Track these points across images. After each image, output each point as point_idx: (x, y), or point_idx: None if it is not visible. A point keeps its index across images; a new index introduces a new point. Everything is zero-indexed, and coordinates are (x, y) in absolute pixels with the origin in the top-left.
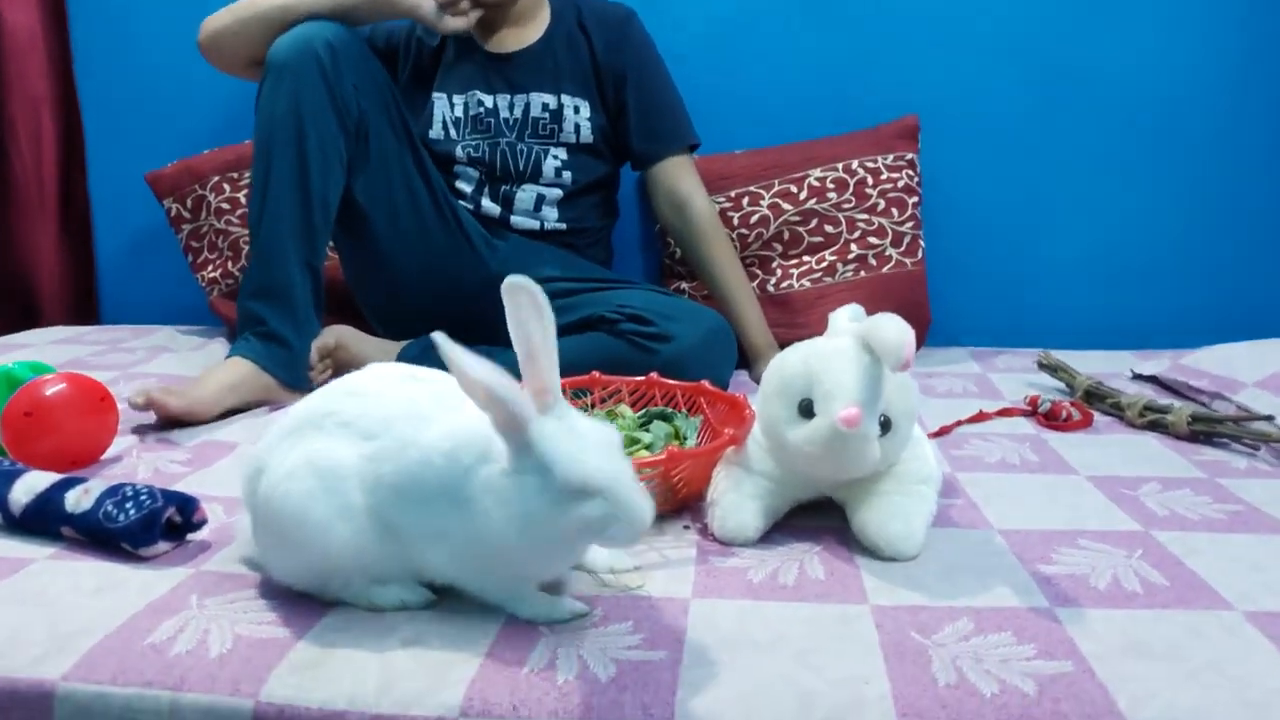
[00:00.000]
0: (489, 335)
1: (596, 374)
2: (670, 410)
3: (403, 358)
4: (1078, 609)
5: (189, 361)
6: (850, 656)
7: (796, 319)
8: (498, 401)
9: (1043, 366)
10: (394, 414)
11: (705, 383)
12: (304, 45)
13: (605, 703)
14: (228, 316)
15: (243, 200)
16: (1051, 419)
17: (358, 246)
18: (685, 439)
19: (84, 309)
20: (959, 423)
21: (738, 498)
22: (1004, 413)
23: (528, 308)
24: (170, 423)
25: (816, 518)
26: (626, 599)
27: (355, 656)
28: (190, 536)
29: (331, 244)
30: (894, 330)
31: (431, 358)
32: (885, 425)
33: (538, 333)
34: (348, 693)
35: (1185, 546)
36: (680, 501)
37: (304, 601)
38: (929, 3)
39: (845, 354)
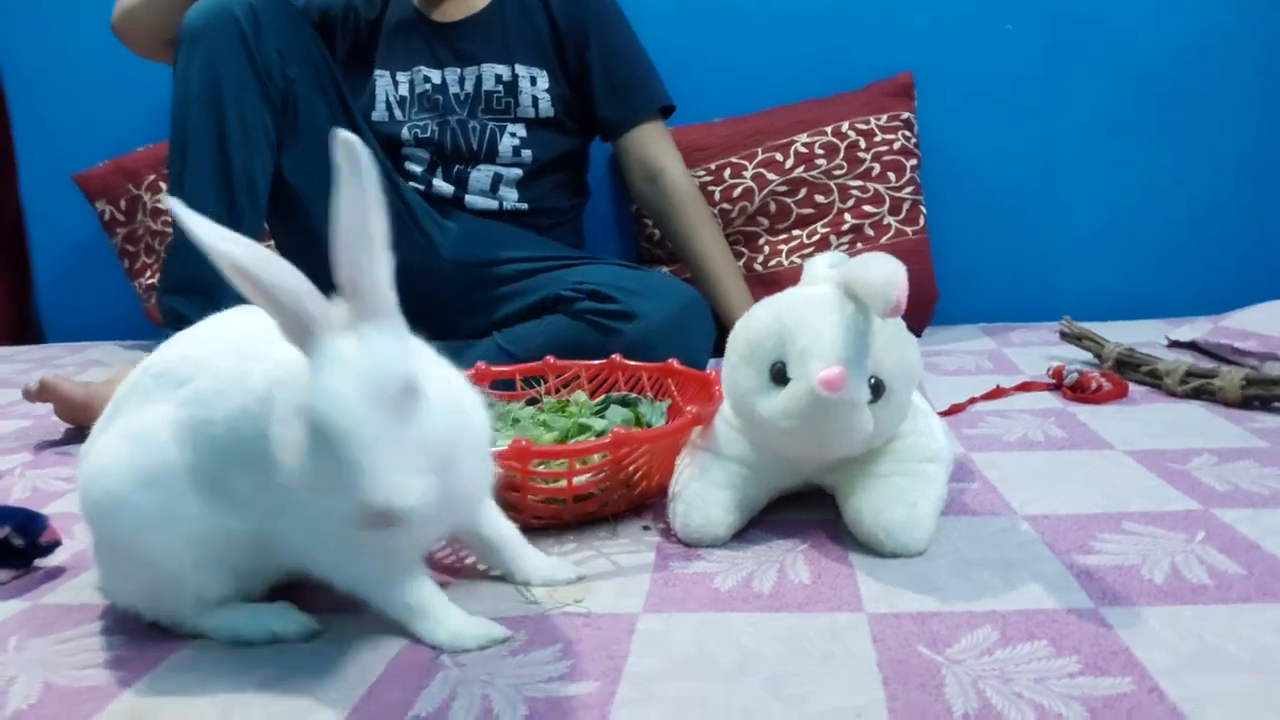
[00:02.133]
0: (444, 328)
1: (550, 359)
2: (634, 395)
3: None
4: (1130, 608)
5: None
6: (839, 681)
7: None
8: (272, 298)
9: (1065, 336)
10: (216, 352)
11: (673, 361)
12: (220, 8)
13: None
14: None
15: None
16: (1079, 391)
17: (290, 231)
18: (648, 425)
19: (24, 327)
20: (972, 400)
21: (703, 488)
22: (1024, 387)
23: (349, 171)
24: (74, 428)
25: (801, 510)
26: (561, 618)
27: (193, 705)
28: (39, 562)
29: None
30: (880, 268)
31: None
32: (877, 389)
33: (356, 208)
34: None
35: (1259, 527)
36: (639, 497)
37: (157, 638)
38: None
39: (823, 304)
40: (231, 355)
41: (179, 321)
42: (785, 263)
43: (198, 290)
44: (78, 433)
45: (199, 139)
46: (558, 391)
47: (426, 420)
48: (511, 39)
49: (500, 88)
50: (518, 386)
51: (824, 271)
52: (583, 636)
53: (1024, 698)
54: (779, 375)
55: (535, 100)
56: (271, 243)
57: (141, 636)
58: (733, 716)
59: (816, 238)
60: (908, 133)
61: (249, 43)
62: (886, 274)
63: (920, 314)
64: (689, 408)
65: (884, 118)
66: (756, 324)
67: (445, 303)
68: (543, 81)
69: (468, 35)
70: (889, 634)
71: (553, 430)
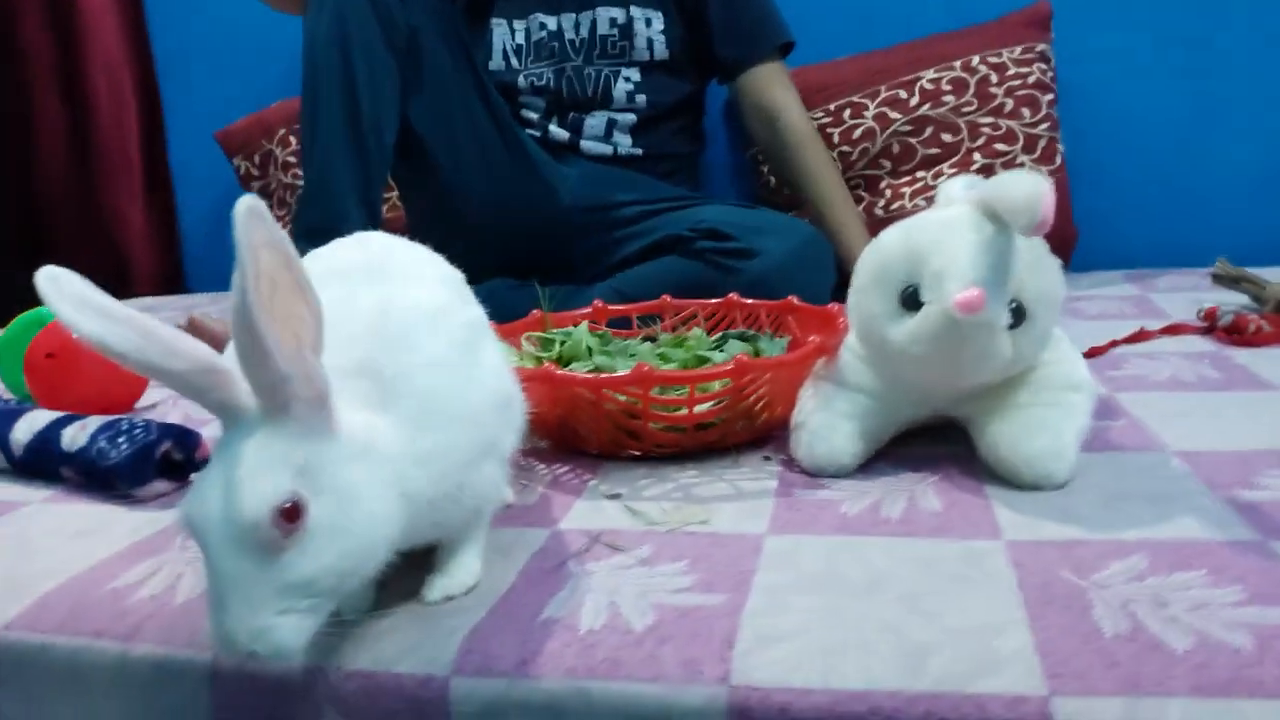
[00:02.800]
0: (561, 273)
1: (667, 298)
2: (752, 332)
3: None
4: None
5: None
6: (977, 600)
7: None
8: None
9: (1219, 280)
10: None
11: (793, 299)
12: None
13: (638, 658)
14: None
15: None
16: (1236, 334)
17: (417, 179)
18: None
19: (171, 279)
20: (1114, 343)
21: (828, 418)
22: (1172, 329)
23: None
24: None
25: (930, 443)
26: (686, 537)
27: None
28: (194, 477)
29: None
30: (1023, 183)
31: (497, 299)
32: (1018, 314)
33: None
34: (320, 645)
35: None
36: (761, 428)
37: None
38: None
39: (959, 224)
40: None
41: None
42: (909, 206)
43: (329, 235)
44: None
45: (329, 87)
46: (674, 330)
47: (311, 548)
48: None
49: (615, 31)
50: (634, 325)
51: (959, 193)
52: (709, 554)
53: (1181, 622)
54: (911, 300)
55: (650, 42)
56: (394, 193)
57: None
58: (867, 629)
59: (943, 179)
60: (1044, 65)
61: None
62: (1030, 188)
63: (1058, 257)
64: (811, 337)
65: (1018, 50)
66: (886, 247)
67: (565, 248)
68: (658, 23)
69: None
70: (1029, 560)
71: (671, 362)
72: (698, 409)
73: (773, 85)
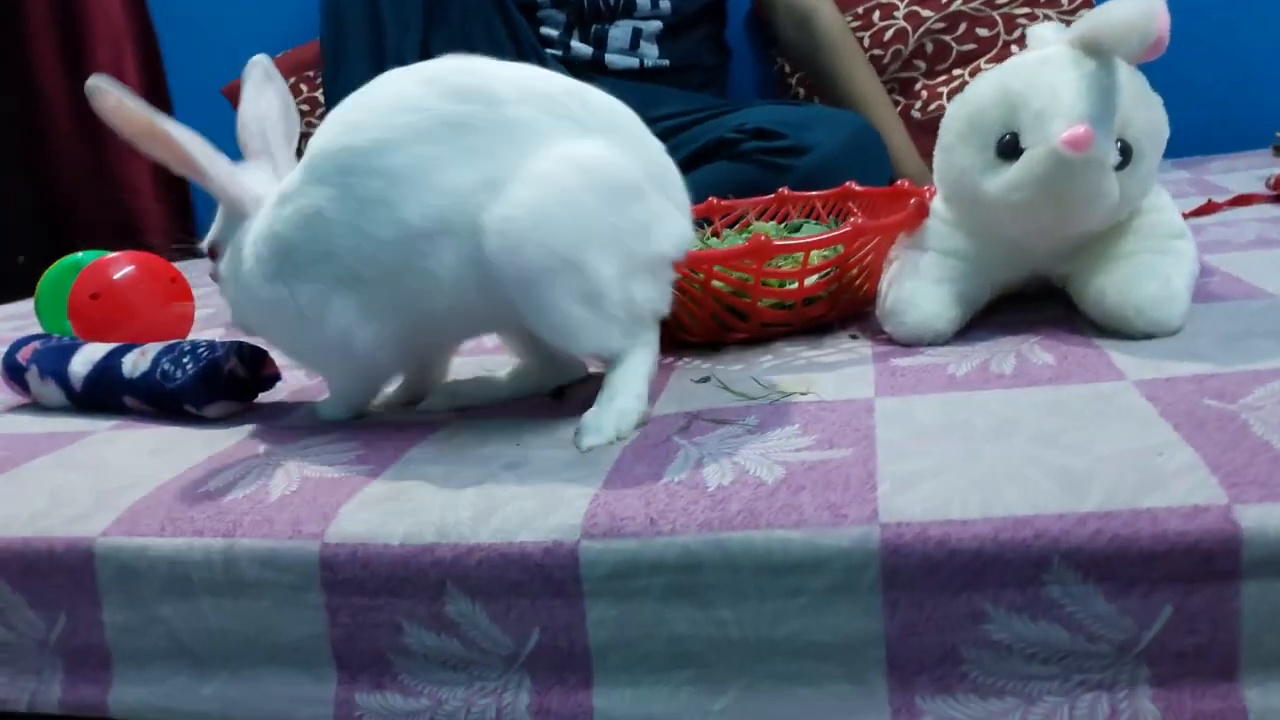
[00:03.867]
0: None
1: (714, 199)
2: (814, 221)
3: None
4: None
5: None
6: (1122, 431)
7: None
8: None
9: None
10: None
11: (851, 184)
12: None
13: (775, 506)
14: None
15: (320, 100)
16: None
17: None
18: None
19: (184, 243)
20: (1184, 216)
21: (918, 284)
22: (1241, 200)
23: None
24: None
25: (1026, 311)
26: (791, 406)
27: (447, 484)
28: (262, 397)
29: None
30: (1131, 5)
31: None
32: (1124, 153)
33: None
34: (436, 522)
35: None
36: (859, 303)
37: (393, 438)
38: None
39: (1057, 62)
40: None
41: None
42: (947, 106)
43: None
44: None
45: (354, 19)
46: (725, 230)
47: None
48: None
49: None
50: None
51: (1052, 35)
52: (820, 417)
53: None
54: (1009, 148)
55: None
56: None
57: (378, 440)
58: (1014, 463)
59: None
60: None
61: None
62: (1140, 6)
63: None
64: (911, 200)
65: None
66: (977, 96)
67: None
68: None
69: None
70: (1163, 394)
71: None
72: (808, 281)
73: None
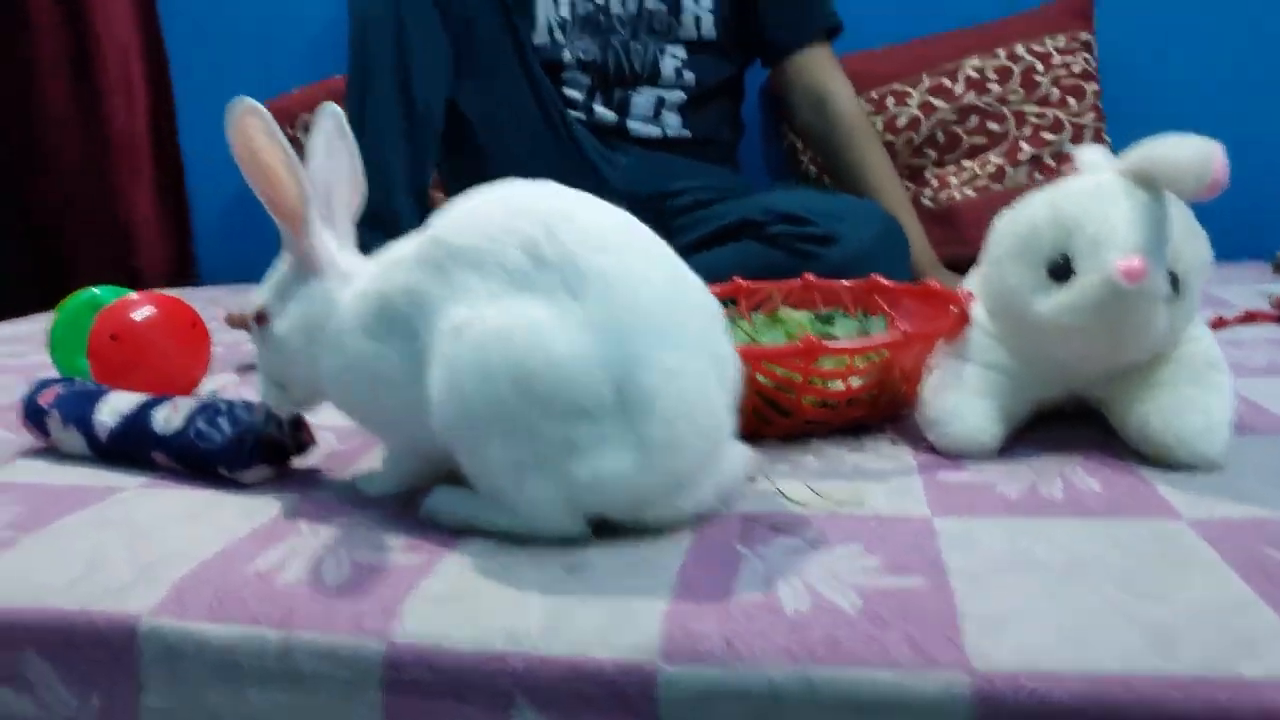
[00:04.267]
0: None
1: (739, 280)
2: (840, 312)
3: None
4: None
5: None
6: (1193, 580)
7: (963, 234)
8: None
9: None
10: None
11: (877, 277)
12: None
13: (858, 638)
14: None
15: None
16: None
17: (459, 165)
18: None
19: (182, 271)
20: None
21: (963, 397)
22: (1249, 317)
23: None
24: None
25: (1062, 428)
26: (847, 519)
27: (509, 584)
28: (296, 462)
29: None
30: (1190, 145)
31: None
32: (1174, 285)
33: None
34: (505, 629)
35: None
36: (888, 406)
37: (434, 528)
38: None
39: (1110, 191)
40: None
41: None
42: (958, 195)
43: (385, 225)
44: None
45: (381, 69)
46: (752, 312)
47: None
48: None
49: (663, 5)
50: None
51: (1102, 160)
52: (881, 535)
53: None
54: (1060, 271)
55: (698, 20)
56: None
57: (426, 527)
58: (1095, 611)
59: (991, 168)
60: (1088, 55)
61: None
62: (1199, 150)
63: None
64: (951, 306)
65: (1061, 39)
66: (1029, 217)
67: None
68: (706, 0)
69: None
70: (1224, 539)
71: (793, 338)
72: (854, 382)
73: (822, 69)
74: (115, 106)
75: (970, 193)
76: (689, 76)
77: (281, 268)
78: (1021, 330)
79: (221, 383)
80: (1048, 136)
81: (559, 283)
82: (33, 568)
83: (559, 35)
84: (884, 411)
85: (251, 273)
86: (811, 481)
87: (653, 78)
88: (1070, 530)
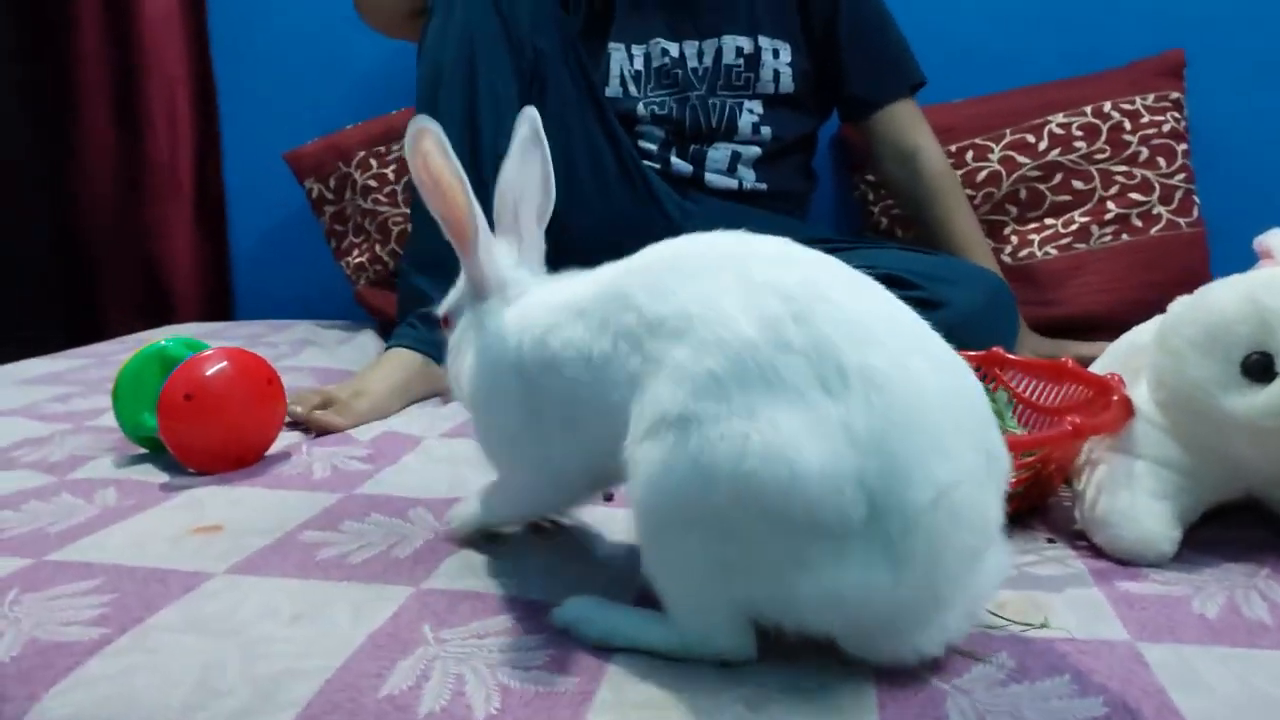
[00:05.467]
0: None
1: None
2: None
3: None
4: None
5: (338, 356)
6: None
7: (1044, 295)
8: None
9: None
10: None
11: (999, 350)
12: None
13: None
14: (376, 307)
15: (391, 177)
16: None
17: None
18: (1002, 418)
19: (218, 304)
20: None
21: (1135, 497)
22: None
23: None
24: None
25: (1224, 527)
26: (1042, 644)
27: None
28: (399, 549)
29: None
30: None
31: None
32: None
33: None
34: None
35: None
36: (1035, 501)
37: (572, 637)
38: None
39: None
40: None
41: (419, 302)
42: (1039, 254)
43: (443, 268)
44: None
45: (450, 109)
46: None
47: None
48: (756, 9)
49: (741, 61)
50: None
51: None
52: (1085, 665)
53: None
54: (1258, 369)
55: (777, 74)
56: None
57: (565, 640)
58: None
59: (1075, 227)
60: (1177, 114)
61: (503, 12)
62: None
63: None
64: (1113, 396)
65: (1150, 98)
66: (1220, 306)
67: None
68: (785, 54)
69: (709, 5)
70: None
71: None
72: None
73: (908, 123)
74: (159, 140)
75: (1052, 251)
76: (766, 132)
77: (460, 280)
78: (1204, 427)
79: (292, 439)
80: (1136, 197)
81: (812, 377)
82: (136, 682)
83: (632, 88)
84: (1033, 504)
85: (285, 309)
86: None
87: (729, 132)
88: None
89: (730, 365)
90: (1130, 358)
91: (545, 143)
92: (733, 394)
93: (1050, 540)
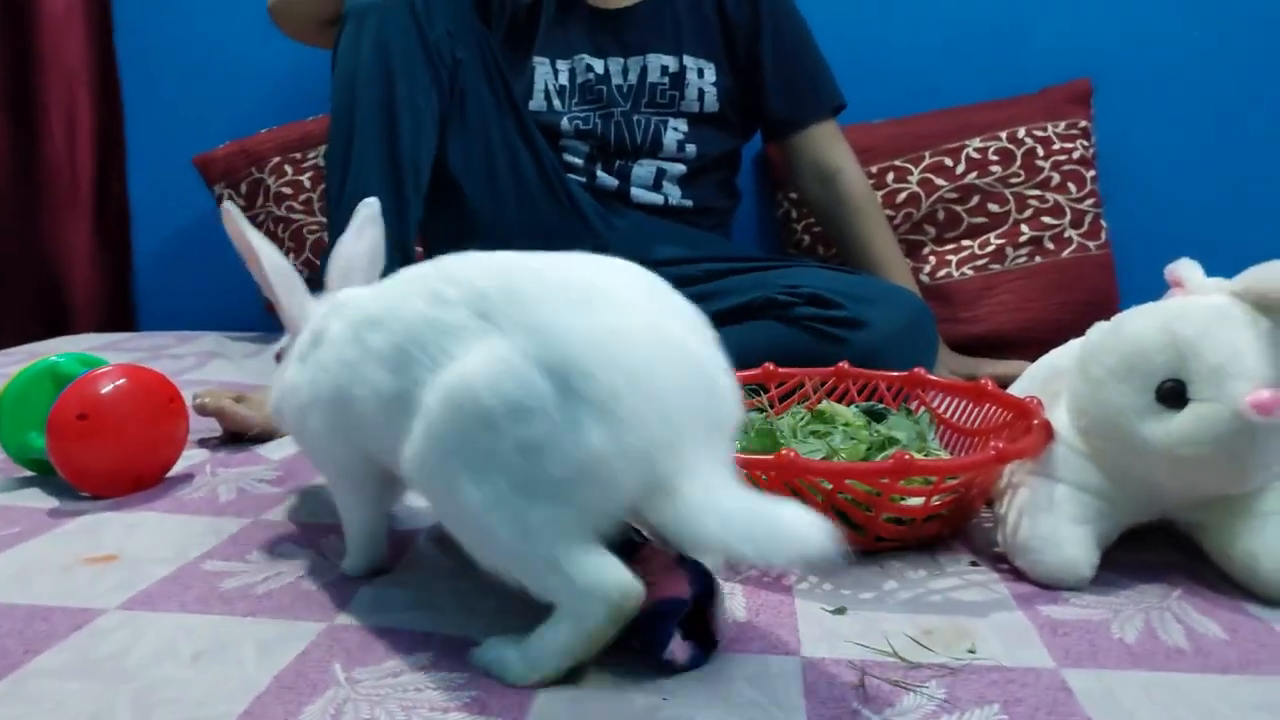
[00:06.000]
0: None
1: (770, 365)
2: (881, 406)
3: None
4: None
5: (246, 369)
6: None
7: (959, 314)
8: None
9: None
10: None
11: (921, 371)
12: None
13: None
14: None
15: (306, 184)
16: None
17: (447, 224)
18: (925, 439)
19: (119, 313)
20: None
21: (1056, 522)
22: None
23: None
24: (234, 435)
25: (1138, 549)
26: (966, 671)
27: None
28: (309, 581)
29: None
30: None
31: None
32: None
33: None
34: None
35: None
36: (957, 523)
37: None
38: None
39: (1230, 316)
40: None
41: None
42: (955, 274)
43: None
44: (235, 436)
45: (366, 121)
46: (781, 401)
47: None
48: (681, 28)
49: (666, 79)
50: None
51: (1212, 281)
52: (1012, 694)
53: None
54: (1172, 395)
55: (701, 93)
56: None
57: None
58: None
59: (990, 249)
60: (1085, 141)
61: (420, 21)
62: None
63: None
64: (1033, 420)
65: (1061, 125)
66: (1137, 335)
67: None
68: (710, 74)
69: (634, 24)
70: None
71: (857, 442)
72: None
73: (829, 144)
74: (57, 143)
75: (969, 272)
76: (690, 149)
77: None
78: (1123, 453)
79: (195, 459)
80: (1048, 220)
81: (474, 316)
82: None
83: (556, 103)
84: (955, 526)
85: (191, 320)
86: (897, 610)
87: (654, 149)
88: (1220, 691)
89: (408, 333)
90: (1048, 381)
91: (380, 224)
92: (420, 355)
93: (974, 563)
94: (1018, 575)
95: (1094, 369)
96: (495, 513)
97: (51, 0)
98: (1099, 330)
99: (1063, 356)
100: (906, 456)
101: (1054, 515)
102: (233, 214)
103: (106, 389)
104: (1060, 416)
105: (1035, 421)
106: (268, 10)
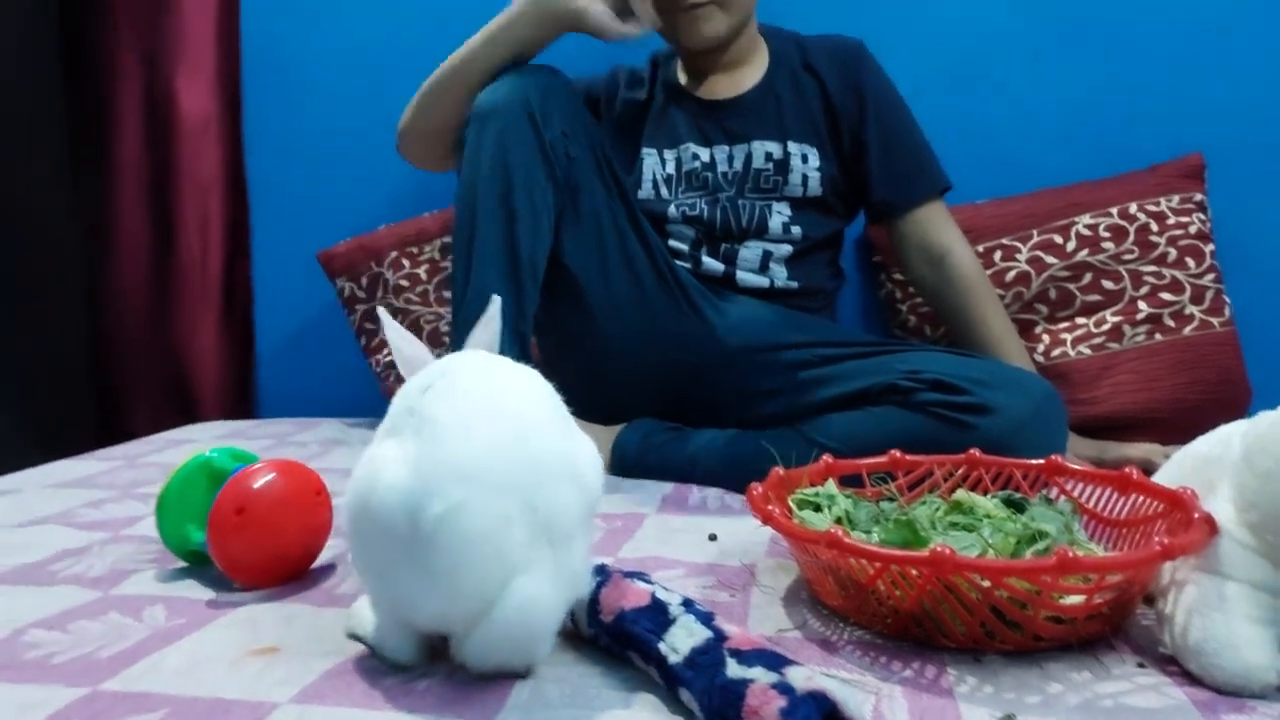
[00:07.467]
0: (712, 414)
1: (896, 453)
2: (1019, 495)
3: (621, 445)
4: None
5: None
6: None
7: (1078, 394)
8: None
9: None
10: None
11: (1058, 458)
12: (511, 87)
13: None
14: None
15: (423, 276)
16: None
17: (561, 316)
18: (1071, 530)
19: (241, 402)
20: None
21: (1234, 622)
22: None
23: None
24: None
25: None
26: None
27: None
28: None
29: None
30: None
31: (654, 444)
32: None
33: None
34: None
35: None
36: (1118, 622)
37: None
38: (1201, 23)
39: None
40: None
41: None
42: (1071, 353)
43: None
44: None
45: (488, 218)
46: (910, 490)
47: None
48: (785, 116)
49: (770, 165)
50: (865, 483)
51: None
52: None
53: None
54: None
55: (805, 178)
56: None
57: None
58: None
59: (1107, 327)
60: (1202, 215)
61: (537, 122)
62: None
63: (1234, 417)
64: (1192, 513)
65: (1175, 199)
66: None
67: (720, 391)
68: (814, 159)
69: (740, 112)
70: None
71: (1006, 535)
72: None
73: (937, 225)
74: (190, 242)
75: (1086, 351)
76: (796, 230)
77: None
78: None
79: (340, 549)
80: (1167, 297)
81: (407, 428)
82: None
83: (664, 190)
84: (1115, 624)
85: (311, 407)
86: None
87: (760, 231)
88: None
89: (387, 421)
90: (1199, 470)
91: (499, 321)
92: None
93: (1140, 664)
94: (1190, 679)
95: (1265, 461)
96: (371, 582)
97: (190, 113)
98: (1267, 421)
99: (1213, 444)
100: (1070, 553)
101: (1228, 615)
102: (383, 317)
103: (260, 484)
104: (1222, 509)
105: (1196, 515)
106: (398, 135)
